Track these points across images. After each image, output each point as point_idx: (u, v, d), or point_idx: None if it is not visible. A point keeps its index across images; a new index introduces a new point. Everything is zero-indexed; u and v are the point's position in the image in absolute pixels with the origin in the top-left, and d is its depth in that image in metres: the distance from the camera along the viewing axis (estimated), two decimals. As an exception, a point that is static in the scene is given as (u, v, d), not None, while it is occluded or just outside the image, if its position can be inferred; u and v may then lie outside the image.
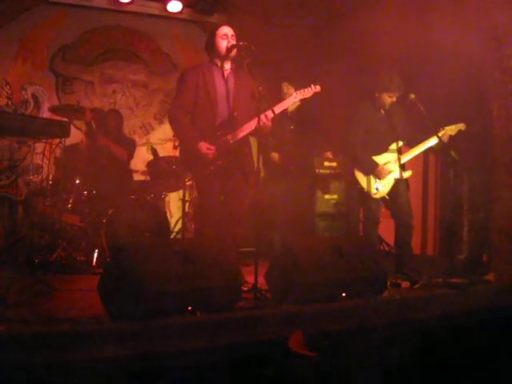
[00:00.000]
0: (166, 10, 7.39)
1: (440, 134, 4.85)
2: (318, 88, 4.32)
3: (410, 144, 5.06)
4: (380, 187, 4.94)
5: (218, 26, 4.36)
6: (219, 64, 4.30)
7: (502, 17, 4.94)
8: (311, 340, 2.97)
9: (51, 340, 2.57)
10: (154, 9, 7.45)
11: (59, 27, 7.14)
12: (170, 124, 4.49)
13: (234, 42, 4.20)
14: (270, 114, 4.15)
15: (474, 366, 3.56)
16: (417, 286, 4.45)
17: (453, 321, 3.74)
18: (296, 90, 4.60)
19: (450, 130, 4.92)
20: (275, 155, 5.85)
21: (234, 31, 4.28)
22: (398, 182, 4.97)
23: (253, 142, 4.48)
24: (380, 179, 4.93)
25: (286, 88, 5.84)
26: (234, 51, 4.19)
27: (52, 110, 6.06)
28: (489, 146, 5.28)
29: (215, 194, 4.24)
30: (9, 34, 6.86)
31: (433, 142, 4.92)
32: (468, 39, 4.80)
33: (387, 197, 4.97)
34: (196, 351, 2.81)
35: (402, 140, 5.02)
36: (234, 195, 4.27)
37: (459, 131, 4.95)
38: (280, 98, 5.56)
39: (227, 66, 4.32)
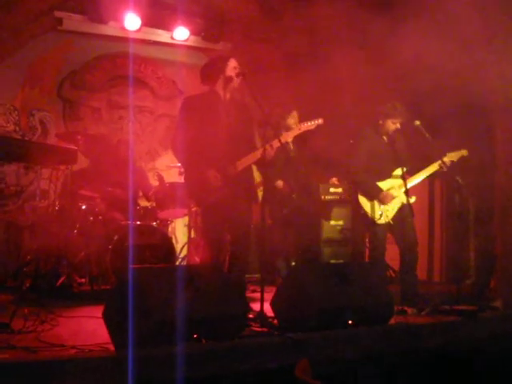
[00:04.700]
0: (172, 38, 7.50)
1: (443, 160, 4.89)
2: (321, 121, 4.37)
3: (411, 171, 5.08)
4: (384, 212, 4.93)
5: (227, 58, 4.34)
6: (221, 93, 4.31)
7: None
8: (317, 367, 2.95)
9: (56, 368, 2.56)
10: (160, 36, 7.56)
11: (67, 54, 7.23)
12: (174, 153, 4.47)
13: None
14: (275, 144, 4.13)
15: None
16: (423, 312, 4.41)
17: (460, 348, 3.71)
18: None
19: (453, 156, 4.96)
20: (280, 183, 5.83)
21: (237, 60, 4.32)
22: (402, 207, 4.96)
23: (255, 170, 4.49)
24: (384, 204, 4.93)
25: (295, 117, 5.77)
26: (239, 80, 4.23)
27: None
28: (493, 170, 5.29)
29: (220, 221, 4.20)
30: (17, 60, 6.93)
31: (436, 167, 4.96)
32: (472, 64, 4.84)
33: (392, 222, 4.95)
34: (202, 379, 2.80)
35: (405, 166, 5.03)
36: (239, 223, 4.24)
37: (461, 157, 4.99)
38: (286, 125, 5.56)
39: (229, 94, 4.32)
